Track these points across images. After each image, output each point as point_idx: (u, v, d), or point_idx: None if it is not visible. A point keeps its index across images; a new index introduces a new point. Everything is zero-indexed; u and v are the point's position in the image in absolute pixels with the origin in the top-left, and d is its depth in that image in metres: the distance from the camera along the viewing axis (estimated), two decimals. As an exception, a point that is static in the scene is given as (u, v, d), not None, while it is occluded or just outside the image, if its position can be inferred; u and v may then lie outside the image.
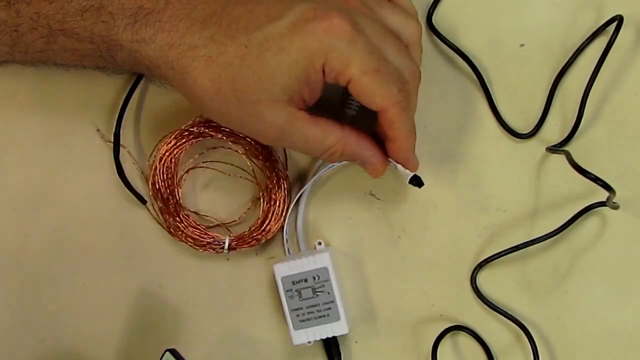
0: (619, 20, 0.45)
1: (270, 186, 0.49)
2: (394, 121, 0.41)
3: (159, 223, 0.50)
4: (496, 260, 0.47)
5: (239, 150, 0.49)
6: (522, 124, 0.48)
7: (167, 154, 0.49)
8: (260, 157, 0.49)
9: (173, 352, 0.45)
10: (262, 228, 0.49)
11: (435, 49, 0.49)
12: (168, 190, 0.49)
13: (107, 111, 0.51)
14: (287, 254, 0.49)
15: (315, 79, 0.40)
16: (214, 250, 0.49)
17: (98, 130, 0.51)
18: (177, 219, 0.49)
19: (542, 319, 0.48)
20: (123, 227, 0.51)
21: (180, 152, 0.49)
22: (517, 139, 0.48)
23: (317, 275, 0.46)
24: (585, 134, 0.48)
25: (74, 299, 0.51)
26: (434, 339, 0.48)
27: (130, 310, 0.51)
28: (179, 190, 0.50)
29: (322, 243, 0.49)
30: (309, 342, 0.47)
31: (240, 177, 0.50)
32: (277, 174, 0.49)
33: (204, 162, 0.50)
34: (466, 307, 0.48)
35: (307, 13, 0.39)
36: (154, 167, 0.49)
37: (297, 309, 0.47)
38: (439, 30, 0.49)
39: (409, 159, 0.43)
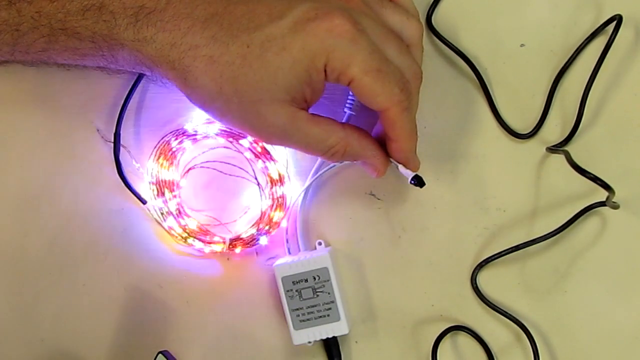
0: (618, 19, 0.46)
1: (271, 186, 0.49)
2: (395, 121, 0.40)
3: (159, 223, 0.50)
4: (496, 260, 0.47)
5: (239, 150, 0.49)
6: (522, 124, 0.48)
7: (168, 153, 0.49)
8: (261, 157, 0.49)
9: (165, 354, 0.46)
10: (263, 228, 0.49)
11: (435, 49, 0.49)
12: (168, 190, 0.49)
13: (107, 111, 0.51)
14: (287, 254, 0.49)
15: (316, 79, 0.39)
16: (214, 250, 0.49)
17: (98, 130, 0.51)
18: (177, 219, 0.49)
19: (542, 319, 0.48)
20: (123, 227, 0.51)
21: (181, 152, 0.49)
22: (517, 139, 0.48)
23: (318, 275, 0.46)
24: (585, 134, 0.48)
25: (73, 298, 0.51)
26: (434, 339, 0.48)
27: (130, 310, 0.51)
28: (179, 190, 0.50)
29: (323, 243, 0.49)
30: (309, 342, 0.47)
31: (240, 177, 0.50)
32: (278, 173, 0.49)
33: (204, 162, 0.50)
34: (466, 307, 0.48)
35: (308, 13, 0.39)
36: (154, 167, 0.49)
37: (297, 309, 0.47)
38: (438, 30, 0.49)
39: (410, 158, 0.43)
